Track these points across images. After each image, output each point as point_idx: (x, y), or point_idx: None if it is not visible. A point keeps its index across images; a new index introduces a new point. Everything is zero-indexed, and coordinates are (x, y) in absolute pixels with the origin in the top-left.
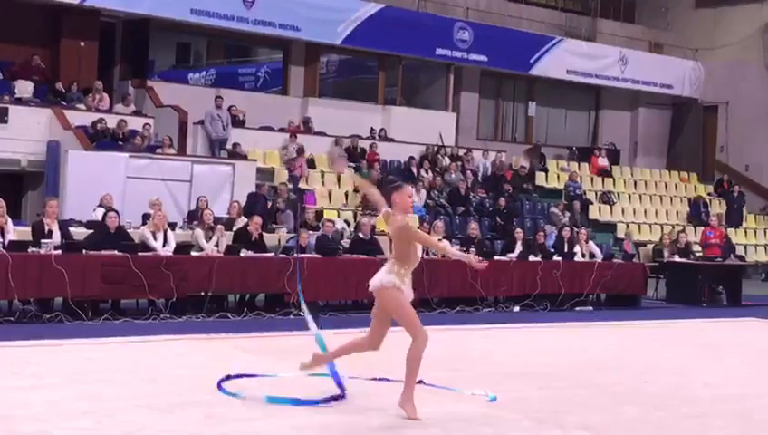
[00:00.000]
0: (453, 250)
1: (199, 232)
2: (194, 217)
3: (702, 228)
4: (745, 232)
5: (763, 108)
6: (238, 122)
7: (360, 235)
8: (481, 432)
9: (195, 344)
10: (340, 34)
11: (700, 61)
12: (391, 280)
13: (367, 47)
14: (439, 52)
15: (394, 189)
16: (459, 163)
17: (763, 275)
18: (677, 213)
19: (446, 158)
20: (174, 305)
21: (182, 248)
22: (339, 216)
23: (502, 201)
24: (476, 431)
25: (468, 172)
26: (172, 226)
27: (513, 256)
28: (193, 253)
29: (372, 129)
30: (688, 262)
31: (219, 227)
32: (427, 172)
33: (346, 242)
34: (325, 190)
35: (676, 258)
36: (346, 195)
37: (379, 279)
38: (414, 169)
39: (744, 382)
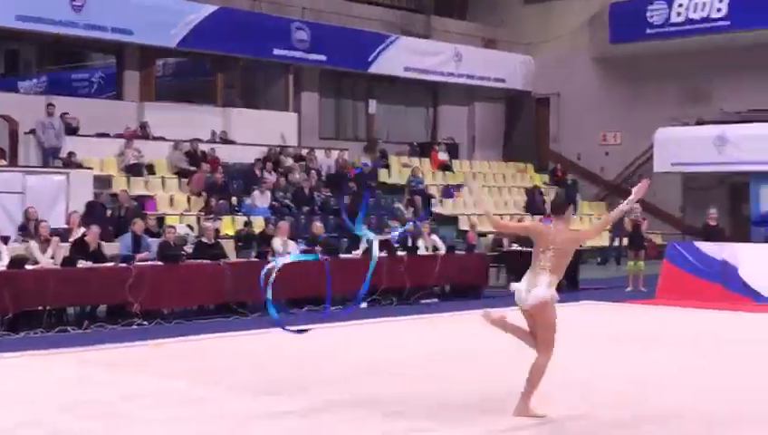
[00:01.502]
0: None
1: (34, 245)
2: (25, 229)
3: (539, 217)
4: (580, 219)
5: (591, 99)
6: (72, 130)
7: (204, 239)
8: (338, 431)
9: (34, 360)
10: (175, 37)
11: (532, 55)
12: (554, 294)
13: (203, 49)
14: (277, 52)
15: (568, 205)
16: (302, 163)
17: (599, 259)
18: (515, 203)
19: (289, 158)
20: (10, 322)
21: (17, 262)
22: (181, 221)
23: (345, 199)
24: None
25: (312, 172)
26: (5, 239)
27: (357, 253)
28: (28, 266)
29: (213, 131)
30: (527, 250)
31: (55, 238)
32: (270, 173)
33: (190, 247)
34: (166, 196)
35: (516, 247)
36: (188, 199)
37: (542, 294)
38: (257, 171)
39: (586, 364)
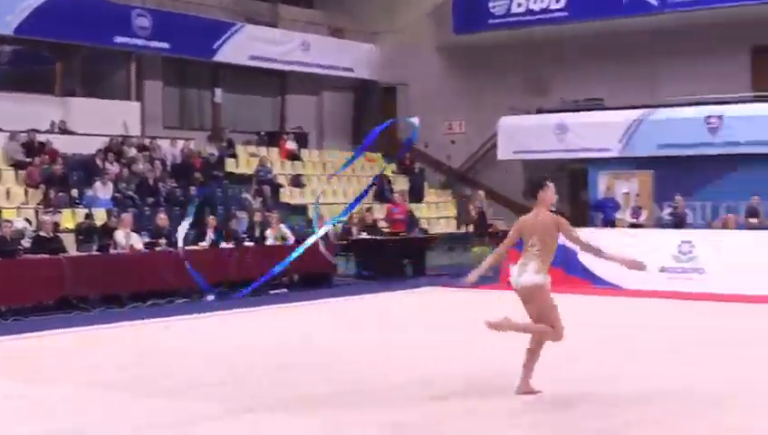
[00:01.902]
0: (610, 254)
1: None
2: None
3: (387, 204)
4: (428, 206)
5: (437, 88)
6: None
7: (43, 233)
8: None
9: None
10: (12, 23)
11: (379, 44)
12: (542, 279)
13: (41, 36)
14: (119, 40)
15: (539, 188)
16: (146, 153)
17: (447, 246)
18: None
19: (133, 148)
20: None
21: None
22: (18, 215)
23: (192, 190)
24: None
25: (156, 162)
26: None
27: (204, 244)
28: None
29: (53, 122)
30: (376, 238)
31: None
32: (112, 164)
33: (28, 242)
34: (2, 189)
35: (365, 235)
36: (26, 192)
37: (529, 280)
38: (99, 162)
39: (433, 349)
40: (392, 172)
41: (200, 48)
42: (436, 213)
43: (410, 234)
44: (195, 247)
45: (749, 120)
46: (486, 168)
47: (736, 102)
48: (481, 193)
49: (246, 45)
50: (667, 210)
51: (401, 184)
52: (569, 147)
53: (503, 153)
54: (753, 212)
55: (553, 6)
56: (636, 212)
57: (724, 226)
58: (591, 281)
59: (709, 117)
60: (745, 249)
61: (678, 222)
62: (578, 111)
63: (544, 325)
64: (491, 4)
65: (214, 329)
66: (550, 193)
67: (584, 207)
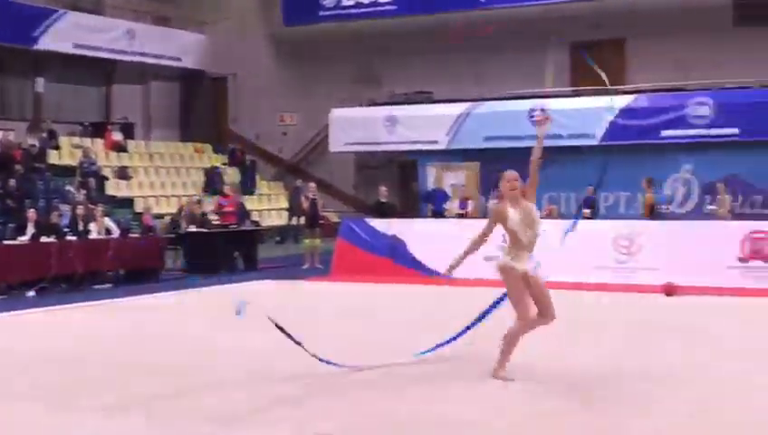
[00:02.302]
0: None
1: None
2: None
3: (216, 196)
4: (259, 198)
5: (268, 79)
6: None
7: None
8: None
9: None
10: None
11: (208, 33)
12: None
13: None
14: None
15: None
16: None
17: (278, 238)
18: (194, 184)
19: None
20: None
21: None
22: None
23: (12, 182)
24: None
25: None
26: None
27: (24, 238)
28: None
29: None
30: (205, 231)
31: None
32: None
33: None
34: None
35: (194, 228)
36: None
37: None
38: None
39: (261, 343)
40: (222, 164)
41: (19, 36)
42: (268, 205)
43: (241, 226)
44: (13, 242)
45: (569, 114)
46: (318, 159)
47: (557, 97)
48: (312, 185)
49: (70, 33)
50: (493, 200)
51: (232, 176)
52: (399, 139)
53: (334, 145)
54: (590, 203)
55: (382, 0)
56: (463, 203)
57: (548, 215)
58: (421, 271)
59: (532, 110)
60: (569, 238)
61: None
62: (407, 103)
63: (518, 326)
64: None
65: (31, 327)
66: (505, 182)
67: (414, 199)
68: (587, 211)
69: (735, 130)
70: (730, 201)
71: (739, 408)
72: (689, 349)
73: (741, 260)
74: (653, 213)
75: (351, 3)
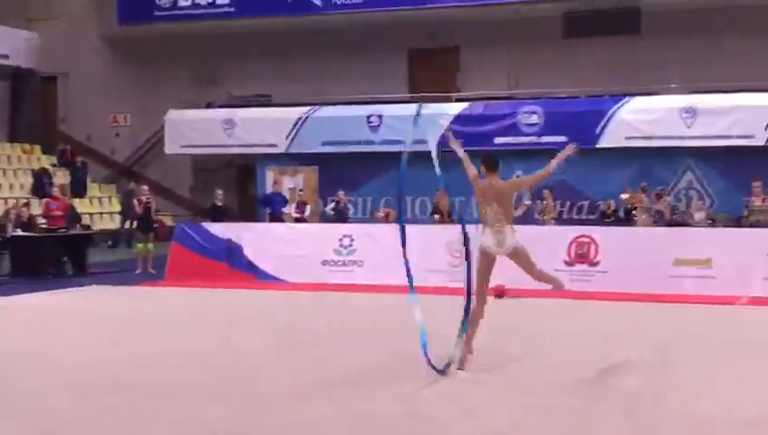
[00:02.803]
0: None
1: None
2: None
3: (46, 199)
4: (90, 201)
5: (101, 79)
6: None
7: None
8: None
9: None
10: None
11: (37, 31)
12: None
13: None
14: None
15: (497, 162)
16: None
17: (110, 242)
18: (22, 186)
19: None
20: None
21: None
22: None
23: None
24: None
25: None
26: None
27: None
28: None
29: None
30: (32, 235)
31: None
32: None
33: None
34: None
35: (20, 232)
36: None
37: (513, 243)
38: None
39: (86, 351)
40: (52, 166)
41: None
42: (100, 208)
43: (70, 230)
44: None
45: (406, 120)
46: (153, 162)
47: (395, 102)
48: (145, 187)
49: None
50: (331, 205)
51: (61, 178)
52: (237, 142)
53: (170, 147)
54: (437, 209)
55: (220, 1)
56: (301, 207)
57: (386, 218)
58: (256, 275)
59: (370, 116)
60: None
61: (341, 216)
62: (246, 106)
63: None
64: None
65: None
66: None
67: (252, 202)
68: (437, 216)
69: (563, 138)
70: (555, 207)
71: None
72: (519, 347)
73: (567, 264)
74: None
75: (188, 3)
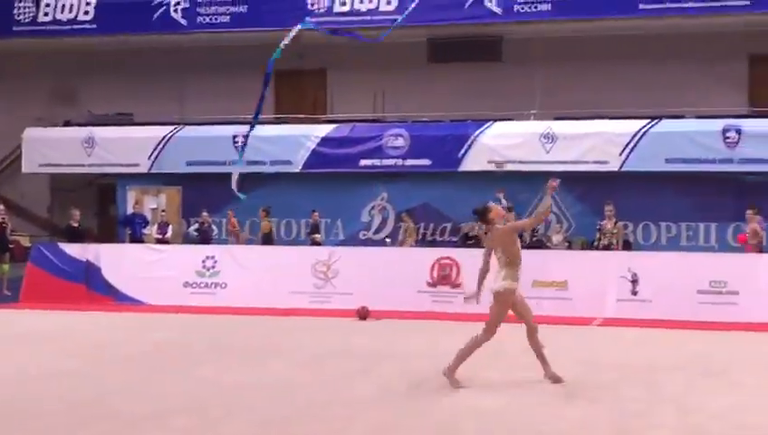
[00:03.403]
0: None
1: None
2: None
3: None
4: None
5: None
6: None
7: None
8: None
9: None
10: None
11: None
12: (508, 286)
13: None
14: None
15: (487, 211)
16: None
17: None
18: None
19: None
20: None
21: None
22: None
23: None
24: None
25: None
26: None
27: None
28: None
29: None
30: None
31: None
32: None
33: None
34: None
35: None
36: None
37: (500, 285)
38: None
39: None
40: None
41: None
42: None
43: None
44: None
45: (272, 141)
46: (8, 180)
47: (260, 123)
48: (1, 207)
49: None
50: (194, 226)
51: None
52: (98, 161)
53: (27, 166)
54: (315, 228)
55: (82, 18)
56: (163, 228)
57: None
58: (114, 297)
59: (235, 136)
60: (266, 264)
61: (204, 238)
62: (107, 125)
63: (473, 342)
64: (16, 11)
65: None
66: (495, 211)
67: (112, 223)
68: (317, 237)
69: (428, 162)
70: (415, 229)
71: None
72: (372, 375)
73: (430, 285)
74: (270, 241)
75: (49, 19)
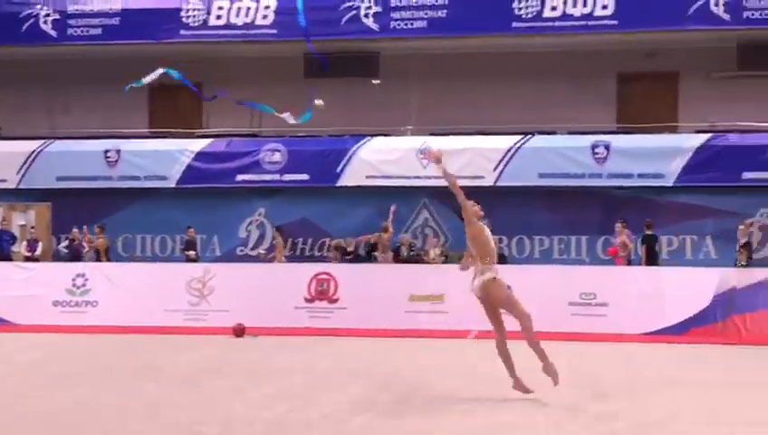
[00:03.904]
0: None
1: None
2: None
3: None
4: None
5: None
6: None
7: None
8: None
9: None
10: None
11: None
12: (490, 274)
13: None
14: None
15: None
16: None
17: None
18: None
19: None
20: None
21: None
22: None
23: None
24: None
25: None
26: None
27: None
28: None
29: None
30: None
31: None
32: None
33: None
34: None
35: None
36: None
37: (480, 280)
38: None
39: None
40: None
41: None
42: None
43: None
44: None
45: (146, 155)
46: None
47: (134, 138)
48: None
49: None
50: (64, 243)
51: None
52: None
53: None
54: (190, 245)
55: None
56: (32, 245)
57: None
58: None
59: (108, 151)
60: (140, 281)
61: (75, 255)
62: None
63: (526, 325)
64: None
65: None
66: (470, 209)
67: None
68: (191, 253)
69: (306, 177)
70: (283, 245)
71: None
72: (255, 389)
73: (307, 301)
74: (107, 258)
75: None
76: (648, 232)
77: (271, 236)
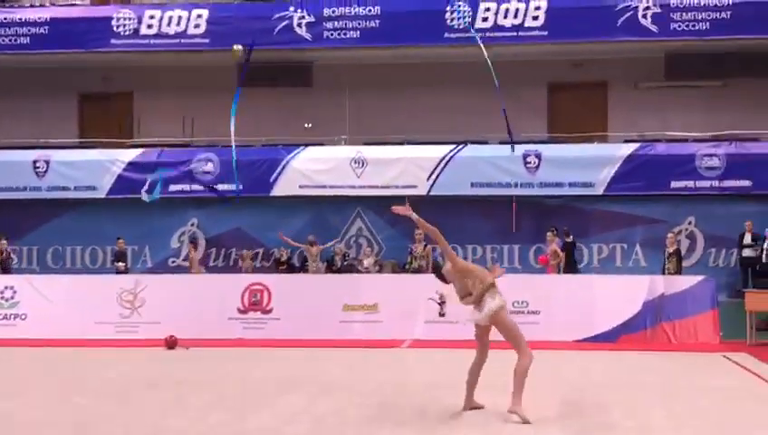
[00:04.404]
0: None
1: None
2: None
3: None
4: None
5: None
6: None
7: None
8: None
9: None
10: None
11: None
12: (499, 304)
13: None
14: None
15: (439, 269)
16: None
17: None
18: None
19: None
20: None
21: None
22: None
23: None
24: None
25: None
26: None
27: None
28: None
29: None
30: None
31: None
32: None
33: None
34: None
35: None
36: None
37: (489, 308)
38: None
39: None
40: None
41: None
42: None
43: None
44: None
45: (77, 166)
46: None
47: (64, 147)
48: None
49: None
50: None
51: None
52: None
53: None
54: (120, 256)
55: None
56: None
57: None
58: None
59: (36, 161)
60: (70, 293)
61: (3, 267)
62: None
63: (525, 363)
64: None
65: None
66: (448, 266)
67: None
68: (120, 265)
69: (233, 187)
70: (203, 259)
71: None
72: (185, 401)
73: (241, 312)
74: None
75: None
76: (567, 239)
77: (203, 248)
